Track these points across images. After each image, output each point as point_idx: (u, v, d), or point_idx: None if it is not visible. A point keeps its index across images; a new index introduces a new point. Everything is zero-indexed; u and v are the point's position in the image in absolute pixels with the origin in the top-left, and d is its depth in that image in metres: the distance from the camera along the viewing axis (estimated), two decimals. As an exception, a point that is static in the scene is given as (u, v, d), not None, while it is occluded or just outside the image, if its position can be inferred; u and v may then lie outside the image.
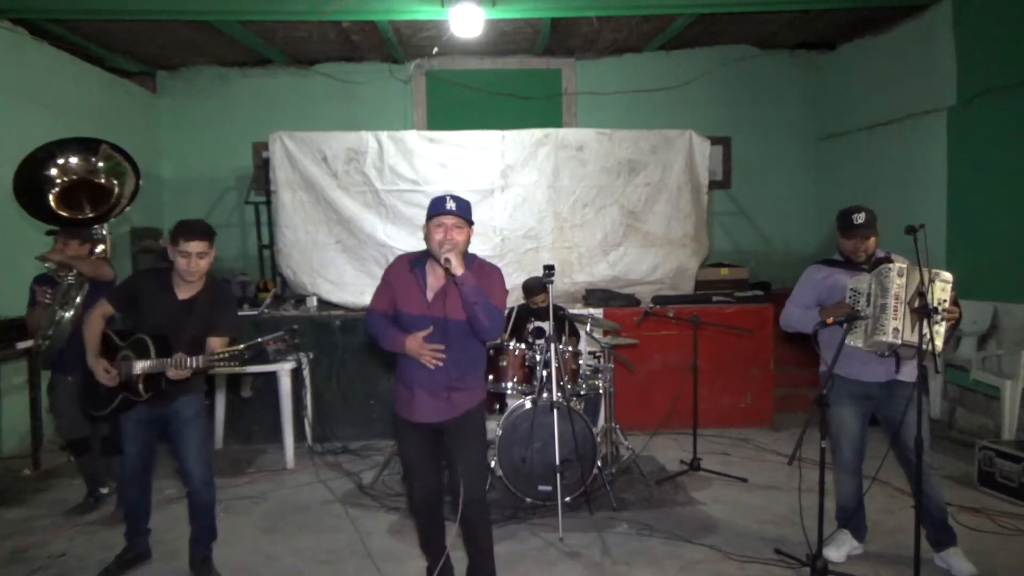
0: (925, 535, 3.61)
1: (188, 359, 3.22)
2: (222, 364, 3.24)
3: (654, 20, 7.07)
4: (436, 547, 3.24)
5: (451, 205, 2.97)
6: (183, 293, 3.37)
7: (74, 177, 4.43)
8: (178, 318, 3.32)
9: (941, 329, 3.18)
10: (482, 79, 8.18)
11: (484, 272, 3.07)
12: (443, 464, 3.21)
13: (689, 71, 8.10)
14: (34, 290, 4.31)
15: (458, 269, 2.86)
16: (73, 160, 4.45)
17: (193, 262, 3.26)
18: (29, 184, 4.32)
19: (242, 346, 3.24)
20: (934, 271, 3.22)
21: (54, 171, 4.39)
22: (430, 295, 3.03)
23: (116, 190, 4.50)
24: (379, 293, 3.15)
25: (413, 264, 3.10)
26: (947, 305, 3.18)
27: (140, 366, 3.26)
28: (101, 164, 4.51)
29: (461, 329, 2.99)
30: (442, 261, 2.91)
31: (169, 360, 3.22)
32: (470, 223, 3.07)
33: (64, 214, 4.33)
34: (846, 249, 3.53)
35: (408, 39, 7.45)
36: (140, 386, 3.30)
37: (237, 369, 5.37)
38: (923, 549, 3.25)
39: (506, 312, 4.08)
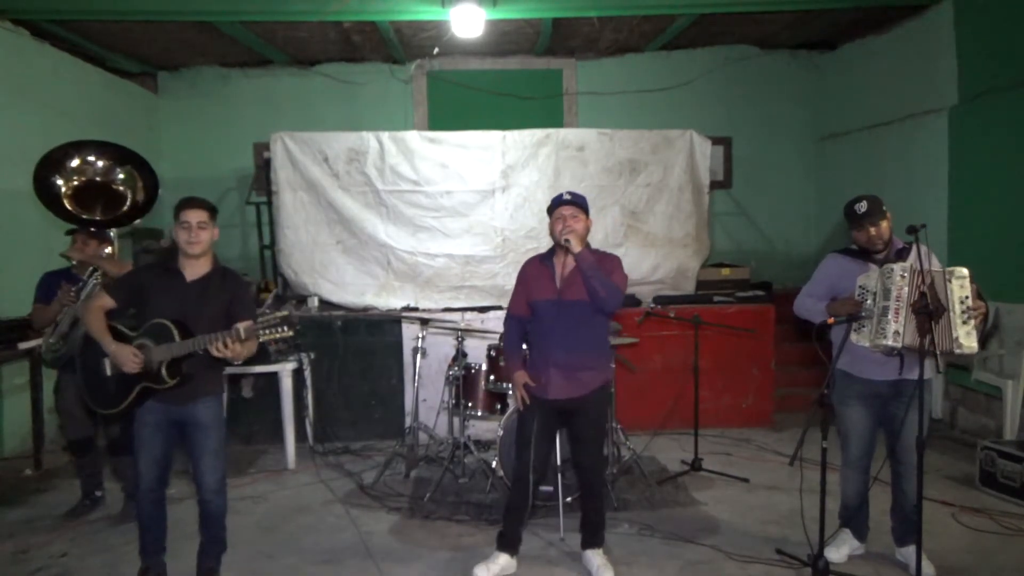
0: (891, 528, 3.65)
1: (234, 329, 3.03)
2: (269, 332, 3.03)
3: (655, 20, 7.06)
4: (517, 516, 3.60)
5: (567, 196, 3.46)
6: (191, 274, 3.26)
7: (96, 179, 4.50)
8: (191, 300, 3.20)
9: (972, 329, 3.10)
10: (483, 79, 8.18)
11: (606, 258, 3.48)
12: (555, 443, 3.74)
13: (690, 71, 8.09)
14: (45, 286, 4.24)
15: (576, 247, 3.31)
16: (99, 163, 4.53)
17: (194, 232, 3.19)
18: (47, 177, 4.38)
19: (286, 312, 3.09)
20: (948, 269, 3.18)
21: (76, 162, 4.45)
22: (559, 283, 3.46)
23: (130, 198, 4.57)
24: (516, 294, 3.63)
25: (543, 259, 3.58)
26: (970, 302, 3.12)
27: (169, 349, 3.07)
28: (120, 173, 4.59)
29: (586, 309, 3.38)
30: (562, 242, 3.36)
31: (210, 337, 3.03)
32: (586, 213, 3.49)
33: (72, 210, 4.37)
34: (860, 242, 3.48)
35: (409, 39, 7.45)
36: (164, 372, 3.12)
37: (238, 370, 5.40)
38: (923, 549, 3.25)
39: None
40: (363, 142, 6.32)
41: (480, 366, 4.89)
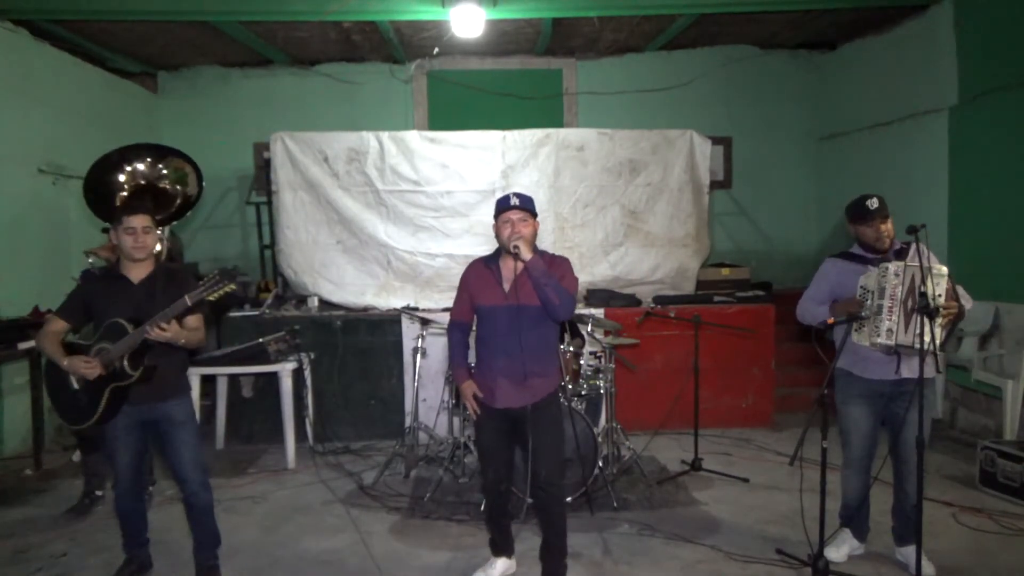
0: (891, 528, 3.66)
1: (180, 300, 3.09)
2: (213, 291, 3.09)
3: (655, 20, 7.07)
4: (501, 524, 3.51)
5: (515, 201, 3.24)
6: (136, 276, 3.32)
7: (142, 182, 4.57)
8: (142, 300, 3.24)
9: (937, 328, 3.11)
10: (483, 79, 8.18)
11: (555, 262, 3.31)
12: (514, 450, 3.46)
13: (690, 71, 8.10)
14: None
15: (527, 254, 3.13)
16: (141, 167, 4.65)
17: (140, 237, 3.26)
18: (98, 184, 4.51)
19: (217, 271, 3.13)
20: (928, 266, 3.18)
21: (123, 177, 4.56)
22: (506, 286, 3.26)
23: (179, 197, 4.70)
24: (458, 300, 3.40)
25: (488, 262, 3.38)
26: (942, 300, 3.14)
27: (124, 341, 3.13)
28: (166, 171, 4.67)
29: (536, 315, 3.20)
30: (511, 249, 3.15)
31: (151, 320, 3.08)
32: (534, 216, 3.29)
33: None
34: (868, 238, 3.45)
35: (409, 39, 7.45)
36: (126, 365, 3.17)
37: (237, 369, 5.40)
38: (923, 549, 3.25)
39: None
40: (363, 142, 6.32)
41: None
